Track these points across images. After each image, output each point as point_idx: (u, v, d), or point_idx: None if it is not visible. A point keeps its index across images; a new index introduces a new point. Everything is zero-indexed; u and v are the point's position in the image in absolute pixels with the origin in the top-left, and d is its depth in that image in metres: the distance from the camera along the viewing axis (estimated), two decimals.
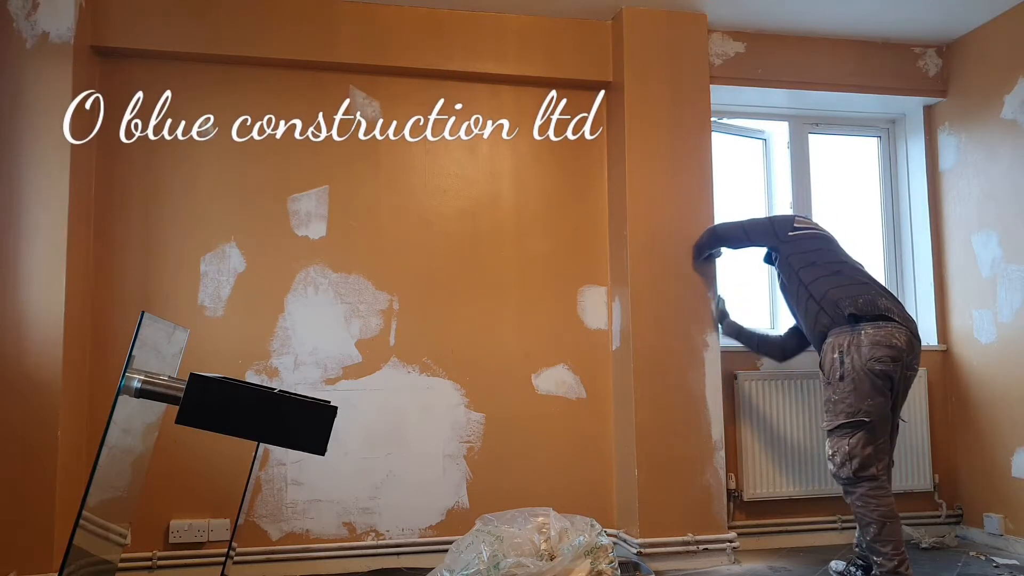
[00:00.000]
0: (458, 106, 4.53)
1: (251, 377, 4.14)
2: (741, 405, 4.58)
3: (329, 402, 2.40)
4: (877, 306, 3.60)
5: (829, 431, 3.62)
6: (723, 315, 4.38)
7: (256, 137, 4.27)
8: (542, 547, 3.45)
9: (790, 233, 3.99)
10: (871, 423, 3.52)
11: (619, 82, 4.49)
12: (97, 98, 4.09)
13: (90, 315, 4.02)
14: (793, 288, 3.91)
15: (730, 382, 4.58)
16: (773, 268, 4.23)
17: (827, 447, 3.63)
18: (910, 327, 3.62)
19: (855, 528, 4.58)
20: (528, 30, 4.53)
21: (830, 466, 3.62)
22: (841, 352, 3.60)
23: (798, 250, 3.92)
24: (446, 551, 3.60)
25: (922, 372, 4.80)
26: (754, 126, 5.14)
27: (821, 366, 3.75)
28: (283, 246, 4.25)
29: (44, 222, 3.75)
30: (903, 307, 3.72)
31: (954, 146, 4.89)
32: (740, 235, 4.19)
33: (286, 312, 4.22)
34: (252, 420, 2.31)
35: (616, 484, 4.46)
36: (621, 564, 3.72)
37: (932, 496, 4.82)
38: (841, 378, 3.57)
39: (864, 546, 3.55)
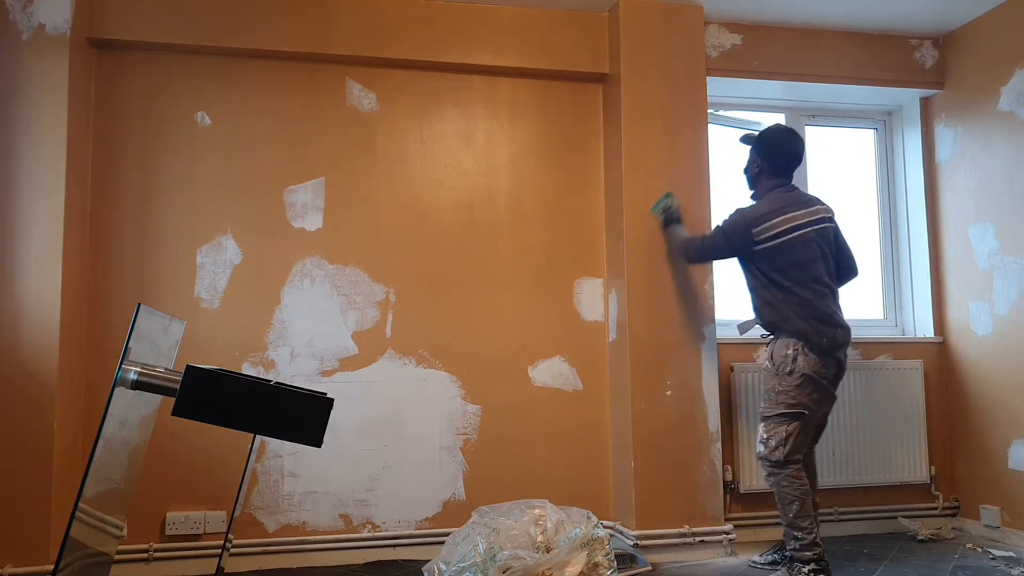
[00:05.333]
0: (454, 98, 4.52)
1: (247, 369, 4.13)
2: (738, 397, 4.58)
3: (325, 394, 2.41)
4: (835, 344, 3.77)
5: (766, 417, 3.80)
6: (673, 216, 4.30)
7: (252, 129, 4.26)
8: (538, 539, 3.46)
9: (755, 248, 3.84)
10: (807, 416, 3.75)
11: (615, 74, 4.49)
12: (93, 90, 4.09)
13: (86, 307, 4.01)
14: (760, 282, 3.93)
15: (727, 374, 4.58)
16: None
17: (761, 431, 3.82)
18: (849, 337, 3.87)
19: (850, 520, 4.61)
20: (524, 22, 4.52)
21: (761, 448, 3.80)
22: (796, 351, 3.75)
23: (768, 265, 3.85)
24: (442, 543, 3.61)
25: (918, 364, 4.82)
26: (750, 118, 5.13)
27: (771, 357, 3.84)
28: (279, 238, 4.24)
29: (40, 214, 3.75)
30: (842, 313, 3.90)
31: (950, 138, 4.89)
32: (716, 248, 4.05)
33: (282, 304, 4.21)
34: (248, 412, 2.31)
35: (612, 476, 4.47)
36: (617, 556, 3.73)
37: (929, 488, 4.82)
38: (790, 373, 3.74)
39: (786, 524, 3.72)
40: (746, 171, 4.15)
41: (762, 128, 5.03)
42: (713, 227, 4.12)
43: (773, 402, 3.77)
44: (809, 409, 3.73)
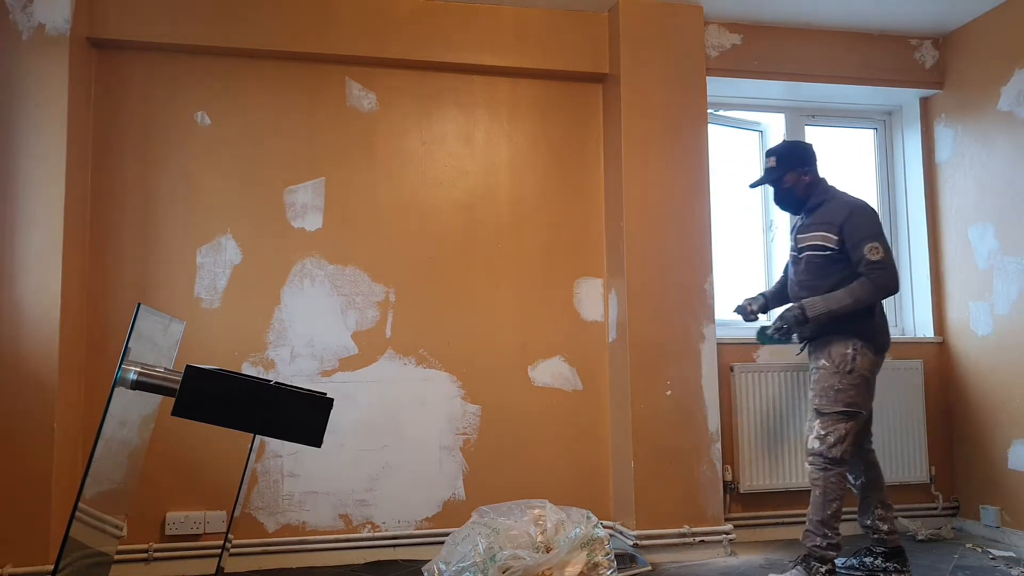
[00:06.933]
0: (454, 98, 4.52)
1: (247, 369, 4.13)
2: (737, 397, 4.58)
3: (325, 394, 2.41)
4: (888, 344, 3.83)
5: (824, 413, 3.71)
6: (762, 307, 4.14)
7: (252, 128, 4.26)
8: (538, 539, 3.46)
9: None
10: (863, 416, 3.75)
11: (615, 74, 4.49)
12: (93, 90, 4.09)
13: (86, 307, 4.01)
14: (849, 279, 3.75)
15: (726, 374, 4.58)
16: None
17: (817, 427, 3.72)
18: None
19: (851, 520, 4.60)
20: (525, 22, 4.52)
21: (816, 444, 3.70)
22: (855, 349, 3.70)
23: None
24: (442, 543, 3.60)
25: (918, 364, 4.82)
26: (750, 118, 5.14)
27: (830, 355, 3.73)
28: (279, 238, 4.24)
29: (41, 214, 3.75)
30: None
31: (950, 138, 4.89)
32: (891, 258, 3.76)
33: (282, 304, 4.21)
34: (248, 412, 2.31)
35: (612, 476, 4.47)
36: (617, 556, 3.73)
37: (928, 488, 4.83)
38: (850, 372, 3.69)
39: (818, 520, 3.68)
40: (791, 192, 3.95)
41: (761, 126, 5.05)
42: (867, 246, 3.70)
43: (832, 400, 3.70)
44: (864, 408, 3.72)
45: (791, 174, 3.94)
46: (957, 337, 4.84)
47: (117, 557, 3.73)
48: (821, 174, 3.98)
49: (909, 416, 4.77)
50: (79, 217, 3.96)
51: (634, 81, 4.42)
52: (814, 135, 5.16)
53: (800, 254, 3.90)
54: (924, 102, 5.08)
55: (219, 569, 2.90)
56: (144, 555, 3.93)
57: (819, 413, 3.74)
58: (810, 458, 3.75)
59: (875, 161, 5.28)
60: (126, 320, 3.99)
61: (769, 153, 4.02)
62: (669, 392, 4.27)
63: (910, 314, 5.08)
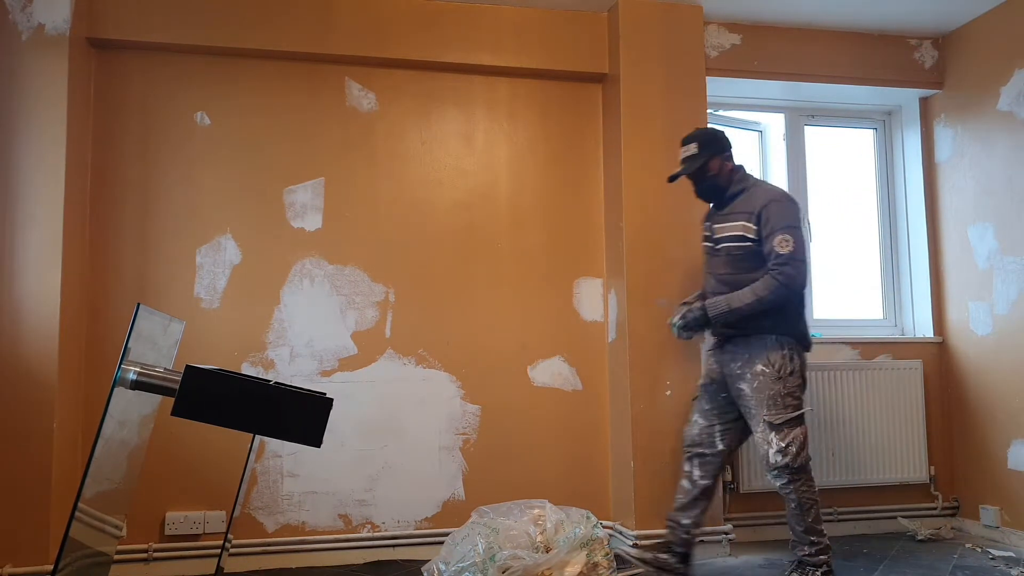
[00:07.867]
0: (454, 98, 4.52)
1: (247, 369, 4.13)
2: None
3: (325, 394, 2.41)
4: (811, 344, 3.78)
5: (778, 424, 3.58)
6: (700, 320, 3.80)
7: (251, 129, 4.26)
8: (538, 539, 3.46)
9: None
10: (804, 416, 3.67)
11: (615, 74, 4.49)
12: (93, 90, 4.09)
13: (86, 307, 4.01)
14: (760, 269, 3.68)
15: None
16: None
17: (775, 440, 3.57)
18: None
19: (850, 520, 4.61)
20: (524, 22, 4.52)
21: (778, 458, 3.56)
22: (791, 348, 3.65)
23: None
24: (442, 543, 3.60)
25: (918, 364, 4.82)
26: (750, 118, 5.14)
27: (768, 361, 3.62)
28: (279, 238, 4.24)
29: (40, 214, 3.75)
30: None
31: (950, 138, 4.89)
32: (804, 253, 3.64)
33: (282, 304, 4.21)
34: (248, 412, 2.31)
35: (612, 476, 4.47)
36: (617, 556, 3.73)
37: (928, 488, 4.82)
38: (791, 373, 3.62)
39: (801, 531, 3.60)
40: (715, 180, 3.82)
41: (761, 126, 5.04)
42: (778, 238, 3.59)
43: (781, 407, 3.58)
44: (803, 409, 3.65)
45: (715, 159, 3.80)
46: (957, 337, 4.84)
47: (117, 557, 3.73)
48: (738, 162, 3.87)
49: (909, 416, 4.76)
50: (79, 217, 3.96)
51: (634, 81, 4.42)
52: (814, 135, 5.16)
53: (718, 245, 3.78)
54: (924, 102, 5.08)
55: (219, 569, 2.90)
56: (144, 555, 3.94)
57: (772, 426, 3.59)
58: (774, 471, 3.59)
59: (875, 161, 5.28)
60: (126, 320, 3.99)
61: (688, 140, 3.85)
62: (669, 392, 4.27)
63: (910, 314, 5.08)
